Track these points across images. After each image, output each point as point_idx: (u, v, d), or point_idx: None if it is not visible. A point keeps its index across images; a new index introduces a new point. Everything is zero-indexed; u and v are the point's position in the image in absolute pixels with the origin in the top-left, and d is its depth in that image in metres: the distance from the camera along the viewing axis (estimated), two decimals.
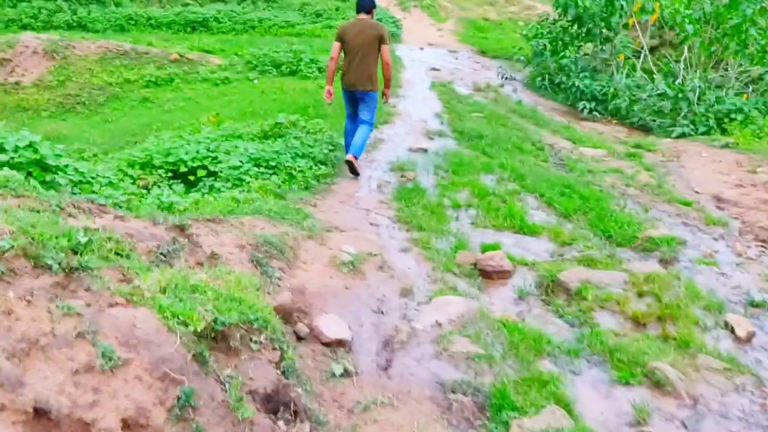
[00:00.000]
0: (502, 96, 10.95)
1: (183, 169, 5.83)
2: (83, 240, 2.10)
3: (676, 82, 9.41)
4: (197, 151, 6.00)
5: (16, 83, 11.08)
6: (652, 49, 11.29)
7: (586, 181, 5.99)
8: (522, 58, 12.76)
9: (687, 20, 9.04)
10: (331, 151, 6.39)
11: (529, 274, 3.91)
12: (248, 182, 5.31)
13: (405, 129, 8.26)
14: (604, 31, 10.50)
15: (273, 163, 5.66)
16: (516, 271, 3.95)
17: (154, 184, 5.38)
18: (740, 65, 9.40)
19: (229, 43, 15.50)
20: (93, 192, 4.26)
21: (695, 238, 4.74)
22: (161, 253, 2.57)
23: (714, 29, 9.32)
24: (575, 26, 10.84)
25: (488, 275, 3.87)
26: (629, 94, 9.43)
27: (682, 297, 3.50)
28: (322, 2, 20.28)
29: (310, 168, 5.67)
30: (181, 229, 2.90)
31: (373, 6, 5.89)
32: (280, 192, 4.97)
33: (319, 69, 12.17)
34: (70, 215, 2.57)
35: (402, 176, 6.04)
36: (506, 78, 12.69)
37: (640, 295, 3.57)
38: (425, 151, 7.13)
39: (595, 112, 9.66)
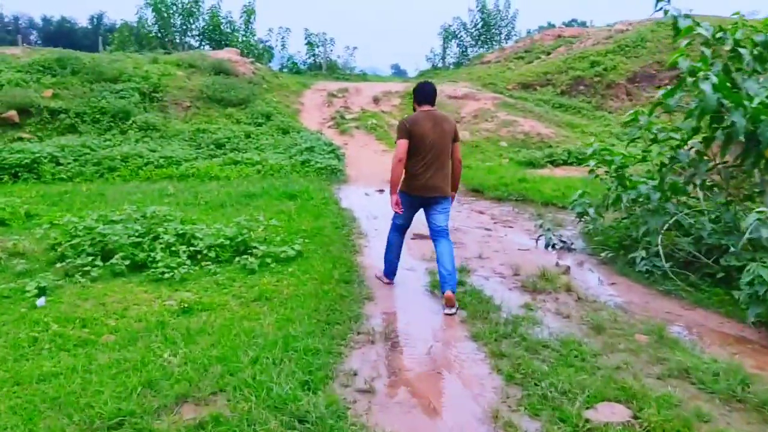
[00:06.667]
0: (590, 301, 5.28)
1: None
2: None
3: None
4: None
5: None
6: None
7: None
8: (579, 208, 7.27)
9: None
10: None
11: None
12: None
13: None
14: None
15: None
16: None
17: None
18: None
19: (57, 201, 9.57)
20: None
21: None
22: None
23: None
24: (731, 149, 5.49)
25: None
26: None
27: None
28: (225, 127, 14.88)
29: None
30: None
31: (436, 95, 5.27)
32: None
33: (192, 257, 6.26)
34: None
35: None
36: (555, 246, 7.17)
37: None
38: None
39: None
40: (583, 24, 51.00)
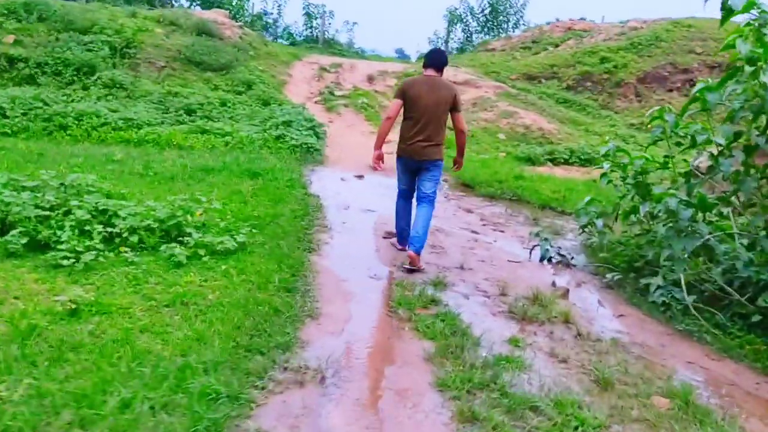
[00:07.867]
0: (593, 340, 4.21)
1: None
2: None
3: None
4: None
5: None
6: None
7: None
8: (586, 217, 6.14)
9: None
10: None
11: None
12: None
13: None
14: None
15: None
16: None
17: None
18: None
19: None
20: None
21: None
22: None
23: None
24: None
25: None
26: None
27: None
28: (199, 93, 13.64)
29: None
30: None
31: (446, 63, 5.37)
32: None
33: (108, 240, 5.11)
34: None
35: None
36: (552, 259, 6.08)
37: None
38: None
39: None
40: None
